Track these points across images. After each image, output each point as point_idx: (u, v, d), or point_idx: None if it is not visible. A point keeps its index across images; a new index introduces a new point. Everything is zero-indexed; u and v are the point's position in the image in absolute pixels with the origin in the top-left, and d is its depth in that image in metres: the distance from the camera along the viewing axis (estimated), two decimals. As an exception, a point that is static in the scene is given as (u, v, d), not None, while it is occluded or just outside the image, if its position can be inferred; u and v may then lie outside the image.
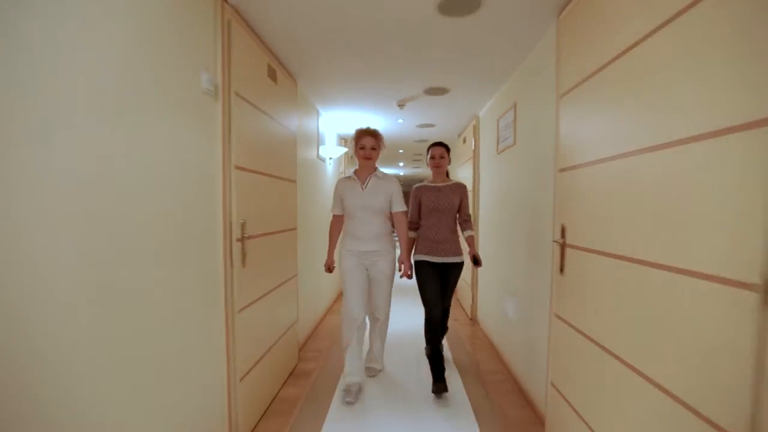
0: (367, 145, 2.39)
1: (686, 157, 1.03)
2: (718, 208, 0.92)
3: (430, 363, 2.46)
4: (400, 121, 4.34)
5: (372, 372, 2.69)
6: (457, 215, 2.67)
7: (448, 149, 2.69)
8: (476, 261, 2.58)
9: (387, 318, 2.65)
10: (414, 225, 2.70)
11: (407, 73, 2.82)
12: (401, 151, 7.06)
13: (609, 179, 1.41)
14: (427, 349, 2.56)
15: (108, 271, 1.09)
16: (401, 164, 9.43)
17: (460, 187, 2.67)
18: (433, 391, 2.36)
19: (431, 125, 4.58)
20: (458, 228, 2.69)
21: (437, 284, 2.55)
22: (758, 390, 0.81)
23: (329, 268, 2.53)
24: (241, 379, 1.90)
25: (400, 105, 3.64)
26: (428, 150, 2.70)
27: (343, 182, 2.48)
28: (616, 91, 1.37)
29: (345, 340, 2.47)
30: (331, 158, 4.37)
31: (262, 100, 2.18)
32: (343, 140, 5.31)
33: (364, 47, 2.36)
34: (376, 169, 2.47)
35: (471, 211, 3.28)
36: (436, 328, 2.50)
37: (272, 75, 2.35)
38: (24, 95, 0.85)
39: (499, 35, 2.16)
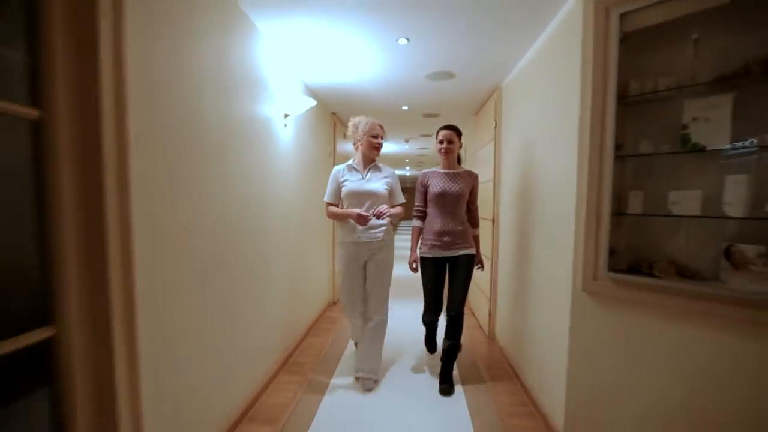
0: (380, 135, 2.38)
1: (488, 185, 3.47)
2: (488, 199, 3.36)
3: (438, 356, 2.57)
4: (406, 146, 6.79)
5: (367, 384, 2.39)
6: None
7: (459, 133, 2.44)
8: (479, 264, 2.44)
9: (385, 317, 2.47)
10: (420, 213, 2.49)
11: (406, 127, 5.26)
12: (407, 160, 9.49)
13: (487, 189, 3.83)
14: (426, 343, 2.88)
15: (248, 232, 3.58)
16: (407, 168, 11.87)
17: (472, 176, 2.46)
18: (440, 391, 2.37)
19: (426, 148, 7.04)
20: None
21: (440, 286, 2.41)
22: (494, 246, 3.25)
23: (366, 219, 2.26)
24: (334, 276, 4.40)
25: (407, 140, 6.09)
26: (437, 134, 2.47)
27: (342, 170, 2.40)
28: (484, 158, 3.80)
29: (354, 336, 2.59)
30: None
31: (341, 148, 4.65)
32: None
33: (384, 116, 4.79)
34: (375, 159, 2.45)
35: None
36: (430, 331, 2.67)
37: (342, 135, 4.83)
38: (303, 172, 3.33)
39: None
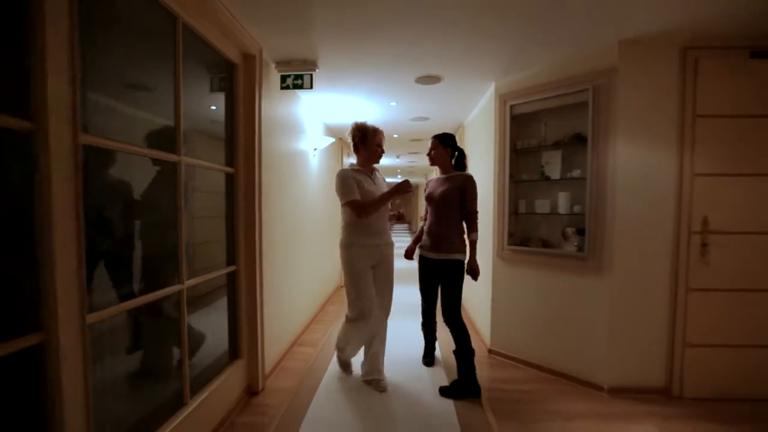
0: (382, 143, 2.46)
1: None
2: (459, 205, 4.63)
3: (425, 338, 2.89)
4: (398, 160, 8.07)
5: (382, 386, 2.42)
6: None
7: (444, 140, 2.48)
8: (470, 271, 2.37)
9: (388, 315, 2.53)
10: (424, 216, 2.66)
11: (397, 148, 6.51)
12: (399, 170, 10.77)
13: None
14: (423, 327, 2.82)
15: (296, 228, 4.81)
16: (399, 177, 13.17)
17: (463, 179, 2.42)
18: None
19: (414, 161, 8.32)
20: (463, 225, 2.47)
21: (432, 282, 2.52)
22: (460, 238, 4.52)
23: (407, 187, 2.24)
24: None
25: (398, 156, 7.37)
26: None
27: (354, 173, 2.38)
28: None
29: (351, 351, 2.58)
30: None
31: (344, 164, 5.90)
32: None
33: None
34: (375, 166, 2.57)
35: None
36: (429, 322, 2.75)
37: (347, 154, 6.07)
38: (310, 186, 4.57)
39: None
